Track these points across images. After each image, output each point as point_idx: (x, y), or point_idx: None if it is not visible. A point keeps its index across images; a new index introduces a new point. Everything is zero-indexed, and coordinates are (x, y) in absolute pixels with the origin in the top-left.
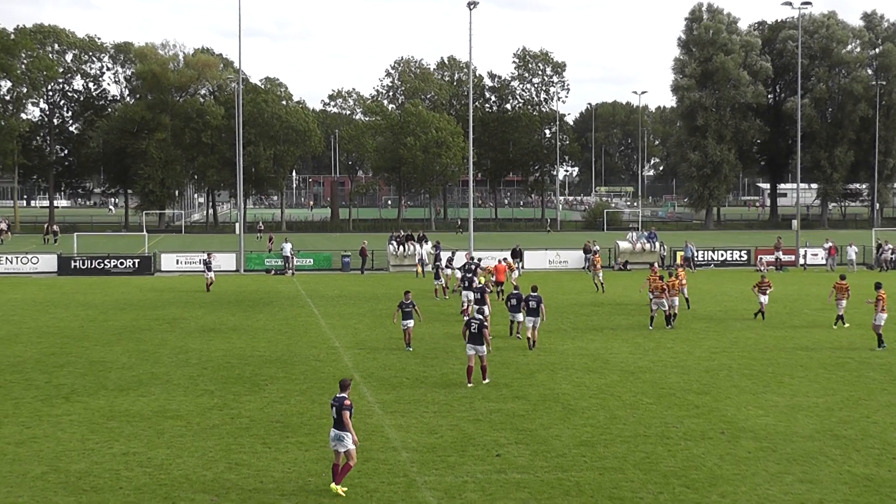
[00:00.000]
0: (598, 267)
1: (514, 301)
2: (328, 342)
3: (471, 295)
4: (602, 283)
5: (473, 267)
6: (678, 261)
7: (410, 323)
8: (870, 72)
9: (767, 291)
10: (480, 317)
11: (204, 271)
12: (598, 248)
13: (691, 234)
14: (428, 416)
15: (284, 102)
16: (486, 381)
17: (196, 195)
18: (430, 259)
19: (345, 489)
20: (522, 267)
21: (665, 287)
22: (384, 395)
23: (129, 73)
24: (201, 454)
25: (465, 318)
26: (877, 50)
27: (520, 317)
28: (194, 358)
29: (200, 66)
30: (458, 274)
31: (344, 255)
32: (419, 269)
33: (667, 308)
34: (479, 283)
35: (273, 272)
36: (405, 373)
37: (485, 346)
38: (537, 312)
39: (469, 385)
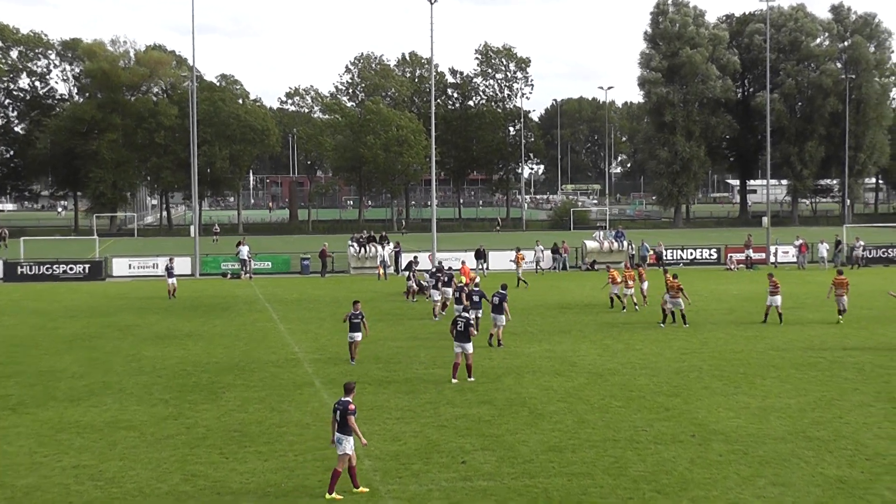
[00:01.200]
0: (620, 281)
1: (475, 297)
2: (287, 348)
3: (437, 295)
4: (640, 297)
5: (445, 272)
6: (649, 259)
7: (357, 336)
8: (839, 65)
9: (778, 292)
10: (467, 315)
11: (165, 277)
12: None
13: (660, 233)
14: (391, 423)
15: (241, 101)
16: (472, 379)
17: (149, 197)
18: (391, 260)
19: (340, 496)
20: (487, 268)
21: (681, 286)
22: None
23: (77, 70)
24: (156, 466)
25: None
26: (846, 43)
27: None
28: (148, 366)
29: (152, 64)
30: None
31: (303, 257)
32: (381, 271)
33: (683, 307)
34: (462, 282)
35: (230, 276)
36: (367, 378)
37: (471, 345)
38: (501, 310)
39: (454, 381)
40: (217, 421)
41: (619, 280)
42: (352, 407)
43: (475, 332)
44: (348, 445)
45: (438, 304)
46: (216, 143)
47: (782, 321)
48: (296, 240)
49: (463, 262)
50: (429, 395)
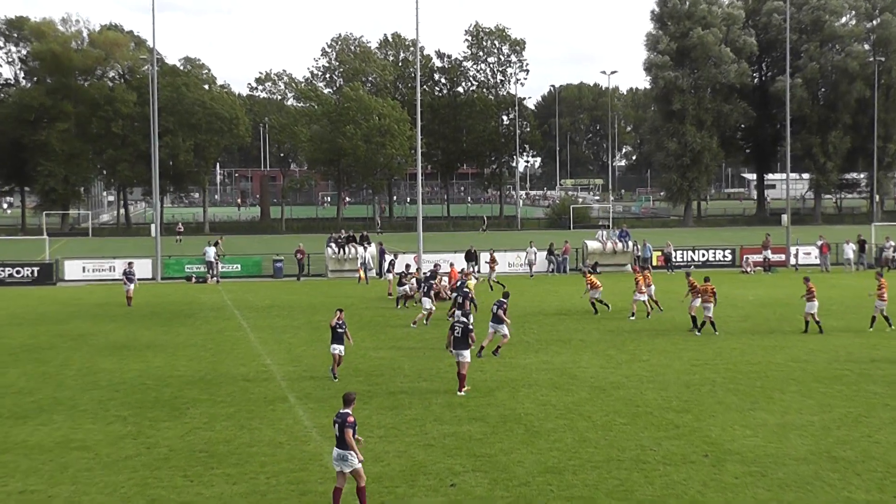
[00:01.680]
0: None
1: (460, 299)
2: (258, 360)
3: (428, 303)
4: (650, 303)
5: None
6: (656, 261)
7: (340, 348)
8: (866, 47)
9: (814, 298)
10: (465, 320)
11: (124, 282)
12: (645, 263)
13: (669, 232)
14: (373, 442)
15: (206, 86)
16: (462, 392)
17: (105, 193)
18: (374, 262)
19: None
20: (479, 271)
21: (714, 290)
22: (323, 418)
23: (24, 52)
24: (112, 490)
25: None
26: (874, 22)
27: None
28: (104, 380)
29: (108, 46)
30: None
31: (276, 259)
32: (361, 274)
33: (711, 314)
34: (468, 287)
35: (194, 280)
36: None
37: (468, 353)
38: (500, 320)
39: (460, 393)
40: (180, 440)
41: (598, 284)
42: (351, 419)
43: (473, 340)
44: (354, 460)
45: (426, 313)
46: (179, 133)
47: (822, 330)
48: (268, 240)
49: (451, 265)
50: (414, 410)
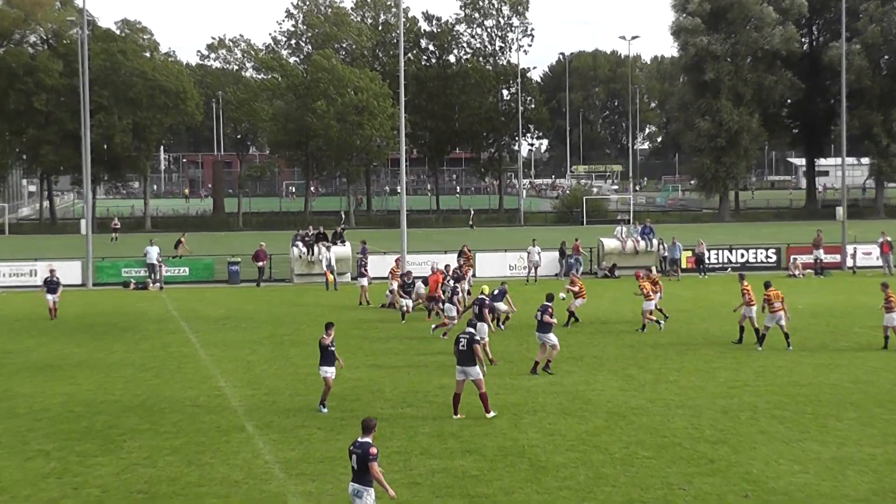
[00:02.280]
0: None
1: (477, 308)
2: (210, 381)
3: (453, 310)
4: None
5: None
6: (685, 263)
7: (331, 372)
8: None
9: (893, 308)
10: (472, 330)
11: (44, 291)
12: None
13: (701, 229)
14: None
15: (148, 54)
16: (491, 414)
17: (25, 181)
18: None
19: None
20: (474, 275)
21: (782, 296)
22: (288, 451)
23: None
24: None
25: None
26: None
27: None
28: (22, 407)
29: (28, 5)
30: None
31: (231, 261)
32: (329, 277)
33: (785, 323)
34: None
35: (134, 286)
36: (316, 420)
37: (477, 367)
38: (548, 328)
39: (455, 417)
40: (116, 479)
41: (581, 292)
42: (373, 451)
43: (480, 356)
44: (369, 499)
45: (454, 320)
46: (115, 110)
47: (888, 345)
48: (221, 238)
49: (433, 267)
50: (397, 441)
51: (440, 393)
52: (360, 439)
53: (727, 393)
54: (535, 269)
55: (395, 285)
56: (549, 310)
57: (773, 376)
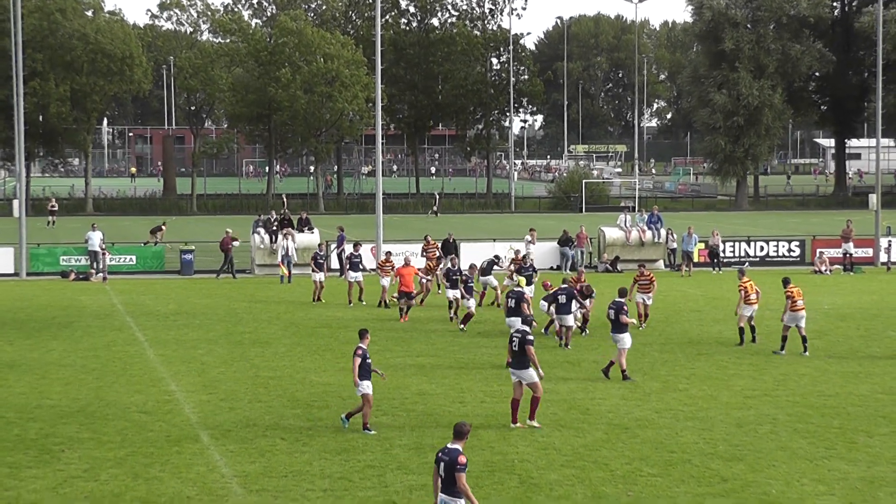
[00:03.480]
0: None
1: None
2: (160, 385)
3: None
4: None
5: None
6: (697, 257)
7: (369, 387)
8: None
9: None
10: (525, 328)
11: None
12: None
13: (716, 217)
14: (314, 498)
15: (89, 13)
16: (535, 423)
17: None
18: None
19: None
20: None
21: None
22: (247, 464)
23: None
24: None
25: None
26: None
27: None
28: None
29: None
30: (385, 281)
31: (184, 249)
32: (283, 269)
33: (804, 325)
34: (520, 285)
35: (74, 276)
36: (279, 430)
37: (532, 370)
38: (623, 328)
39: (513, 426)
40: (52, 494)
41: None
42: (462, 460)
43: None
44: None
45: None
46: (51, 76)
47: None
48: (173, 223)
49: (406, 259)
50: (371, 454)
51: (419, 400)
52: (449, 445)
53: (743, 404)
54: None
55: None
56: (624, 308)
57: (796, 385)
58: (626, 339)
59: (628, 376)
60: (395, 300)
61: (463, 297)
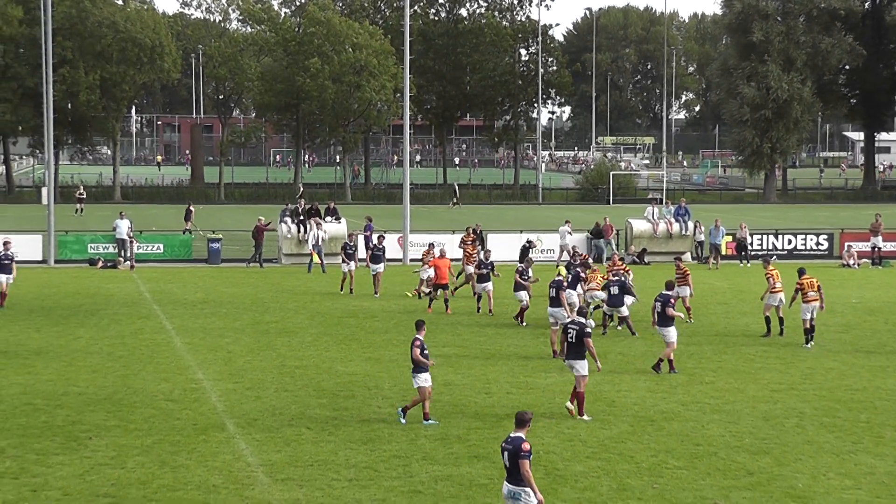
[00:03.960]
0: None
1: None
2: (186, 373)
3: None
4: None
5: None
6: (725, 250)
7: (427, 379)
8: None
9: None
10: (582, 319)
11: None
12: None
13: (744, 210)
14: (340, 488)
15: (120, 1)
16: (585, 417)
17: None
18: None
19: None
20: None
21: (819, 285)
22: (273, 453)
23: None
24: None
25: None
26: None
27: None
28: None
29: None
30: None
31: (211, 238)
32: (315, 257)
33: (809, 317)
34: (560, 274)
35: (101, 264)
36: (304, 419)
37: (585, 362)
38: (668, 322)
39: (582, 418)
40: (79, 481)
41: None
42: (526, 447)
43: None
44: (532, 500)
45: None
46: (80, 65)
47: None
48: (201, 211)
49: (442, 251)
50: (396, 444)
51: (445, 391)
52: (512, 434)
53: (770, 397)
54: (567, 253)
55: (470, 269)
56: (672, 301)
57: (823, 379)
58: (672, 333)
59: (675, 369)
60: (423, 293)
61: (518, 289)
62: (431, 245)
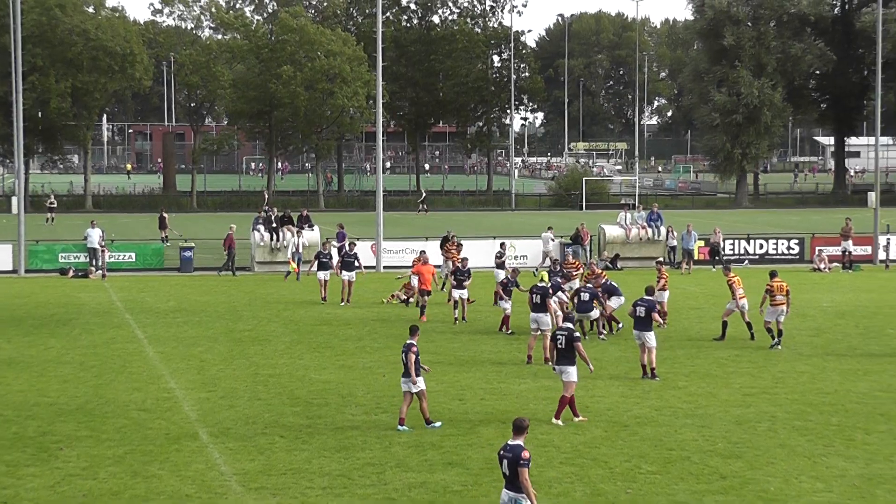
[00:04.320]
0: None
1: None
2: (159, 382)
3: (464, 294)
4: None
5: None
6: (697, 254)
7: (419, 385)
8: None
9: None
10: (570, 325)
11: None
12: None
13: (716, 215)
14: (314, 496)
15: (91, 9)
16: (579, 418)
17: None
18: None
19: None
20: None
21: (788, 289)
22: (246, 462)
23: None
24: None
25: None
26: None
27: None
28: None
29: None
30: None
31: (184, 246)
32: (292, 265)
33: (774, 320)
34: (543, 280)
35: (72, 273)
36: (278, 428)
37: (573, 368)
38: (648, 325)
39: (577, 419)
40: (51, 492)
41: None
42: (525, 455)
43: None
44: None
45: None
46: (51, 73)
47: None
48: (174, 220)
49: (424, 258)
50: (370, 452)
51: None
52: (510, 442)
53: (742, 401)
54: (548, 259)
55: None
56: (657, 306)
57: (795, 383)
58: (651, 337)
59: (656, 374)
60: (400, 300)
61: (501, 298)
62: (423, 252)
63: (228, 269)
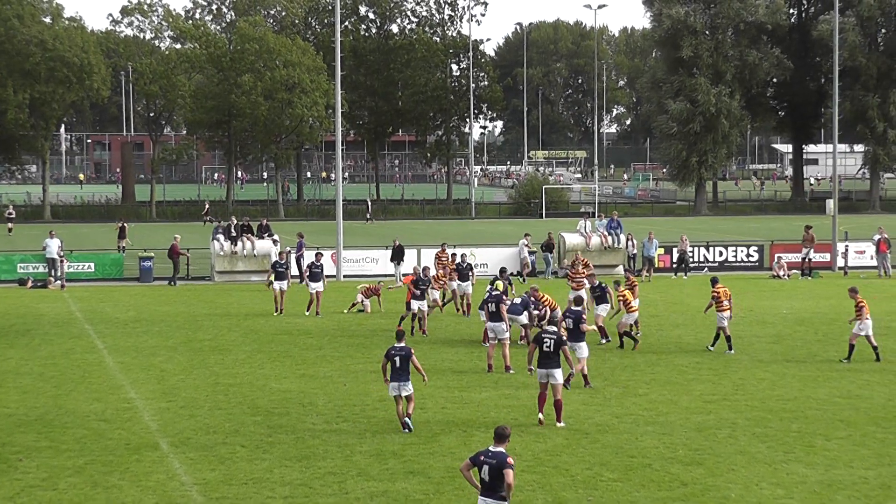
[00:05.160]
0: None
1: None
2: (119, 392)
3: (423, 305)
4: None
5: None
6: (657, 262)
7: (407, 389)
8: None
9: (865, 314)
10: (555, 328)
11: None
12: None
13: (676, 223)
14: None
15: (48, 19)
16: (560, 424)
17: None
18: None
19: None
20: (403, 273)
21: (729, 294)
22: (207, 471)
23: None
24: None
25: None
26: None
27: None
28: None
29: None
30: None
31: (143, 256)
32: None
33: (725, 325)
34: (497, 289)
35: (31, 283)
36: (239, 437)
37: (560, 371)
38: (580, 337)
39: (540, 416)
40: (10, 503)
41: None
42: (510, 460)
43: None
44: None
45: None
46: (9, 83)
47: (879, 357)
48: (133, 230)
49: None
50: (331, 461)
51: (380, 406)
52: (492, 449)
53: (703, 408)
54: (528, 268)
55: (454, 285)
56: (583, 316)
57: (755, 390)
58: (584, 348)
59: (567, 385)
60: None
61: (480, 307)
62: (426, 269)
63: (181, 277)
